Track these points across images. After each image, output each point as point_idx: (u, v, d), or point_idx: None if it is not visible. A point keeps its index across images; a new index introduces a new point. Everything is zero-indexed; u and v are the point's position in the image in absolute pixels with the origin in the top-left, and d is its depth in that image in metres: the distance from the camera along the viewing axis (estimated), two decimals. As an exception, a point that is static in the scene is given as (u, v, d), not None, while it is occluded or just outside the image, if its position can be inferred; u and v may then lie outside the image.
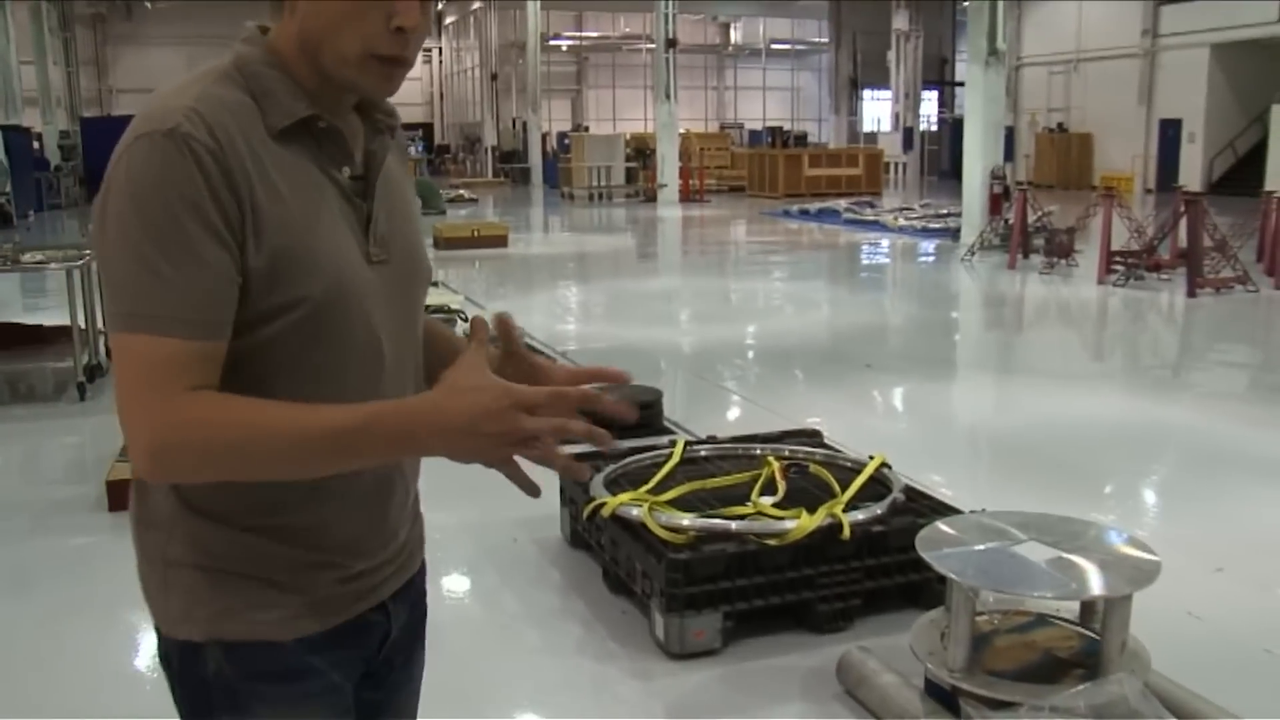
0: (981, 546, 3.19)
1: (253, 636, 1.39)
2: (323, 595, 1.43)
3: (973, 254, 14.27)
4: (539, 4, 33.97)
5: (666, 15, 24.12)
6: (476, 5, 39.64)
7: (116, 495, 4.96)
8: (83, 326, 7.28)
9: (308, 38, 1.35)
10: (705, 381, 7.98)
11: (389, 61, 1.35)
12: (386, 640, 1.56)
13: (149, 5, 39.96)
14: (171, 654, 1.41)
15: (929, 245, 16.53)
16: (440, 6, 44.03)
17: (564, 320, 11.11)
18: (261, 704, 1.40)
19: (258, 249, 1.29)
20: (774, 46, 46.75)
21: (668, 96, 24.31)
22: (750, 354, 9.22)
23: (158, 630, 1.43)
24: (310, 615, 1.42)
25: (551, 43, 41.96)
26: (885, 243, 17.29)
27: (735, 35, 47.02)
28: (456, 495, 5.45)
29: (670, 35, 24.19)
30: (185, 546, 1.38)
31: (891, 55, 35.90)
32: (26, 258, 7.56)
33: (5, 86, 25.24)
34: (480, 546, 4.69)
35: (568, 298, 12.75)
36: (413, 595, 1.65)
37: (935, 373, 8.39)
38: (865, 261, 16.07)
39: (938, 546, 3.17)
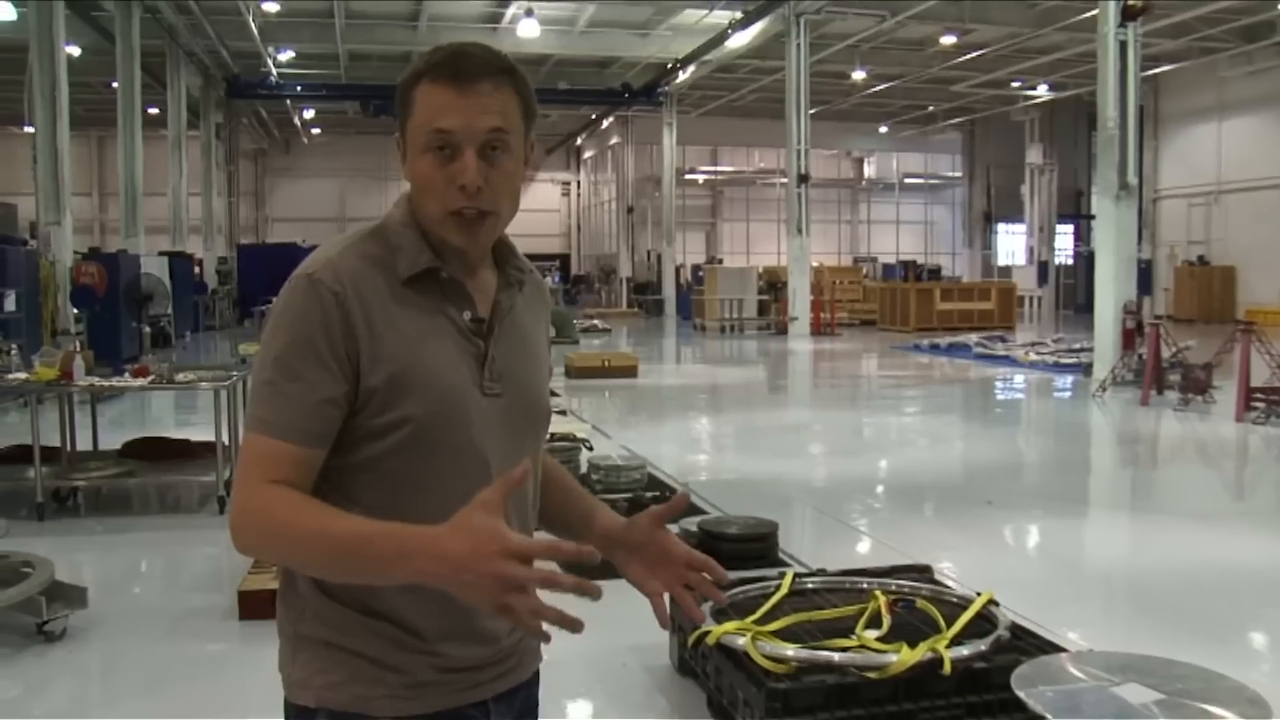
0: (1080, 686, 3.20)
1: (354, 708, 1.59)
2: (421, 680, 1.62)
3: (1104, 390, 14.04)
4: (674, 140, 34.94)
5: (799, 152, 24.61)
6: (614, 141, 40.92)
7: (248, 605, 5.25)
8: (226, 443, 7.70)
9: (414, 205, 1.65)
10: (825, 515, 8.02)
11: (463, 216, 1.60)
12: None
13: (305, 141, 42.26)
14: (290, 716, 1.63)
15: (1060, 381, 16.32)
16: (580, 142, 45.57)
17: (692, 451, 11.25)
18: None
19: (374, 370, 1.56)
20: (907, 180, 47.06)
21: (800, 230, 24.65)
22: (872, 488, 9.23)
23: (286, 697, 1.65)
24: (408, 697, 1.61)
25: (687, 177, 42.97)
26: (1015, 378, 17.12)
27: (869, 169, 47.49)
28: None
29: (803, 171, 24.63)
30: (313, 622, 1.61)
31: (1025, 189, 35.85)
32: (180, 376, 8.04)
33: (175, 217, 26.95)
34: (591, 669, 4.80)
35: (697, 429, 12.91)
36: (520, 703, 1.80)
37: (1060, 510, 8.28)
38: (994, 397, 15.93)
39: (1034, 684, 3.19)
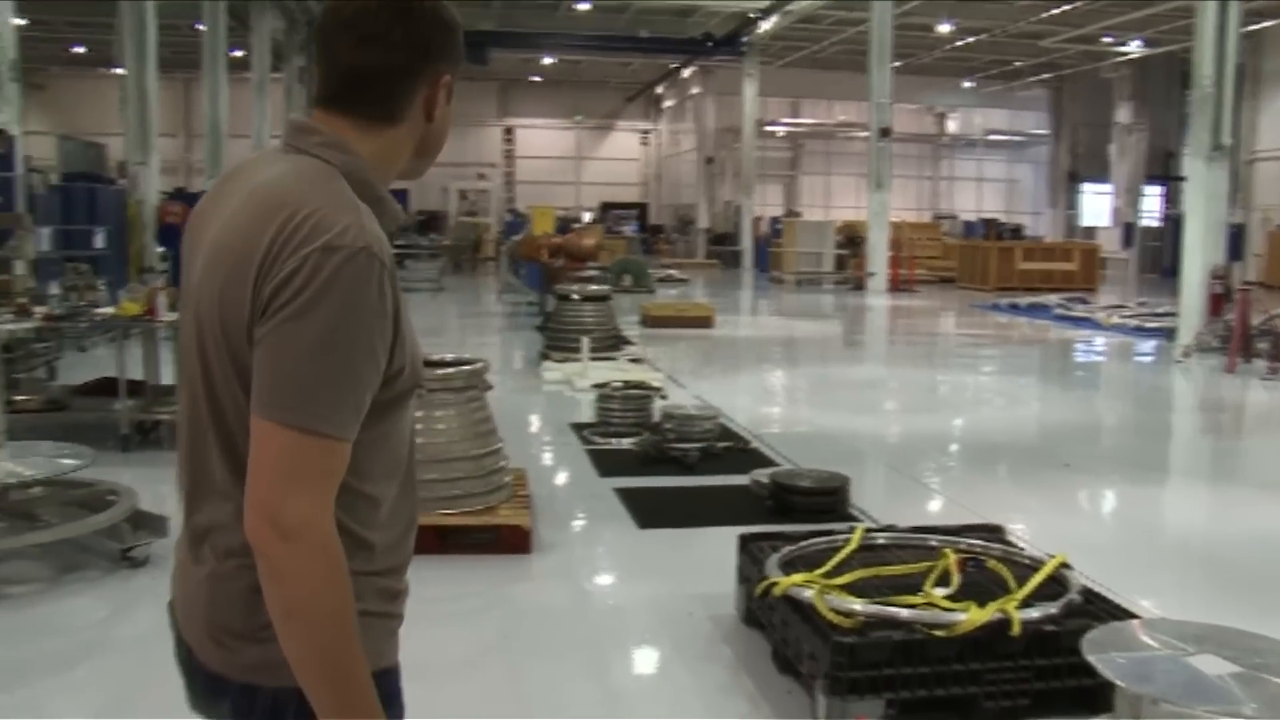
0: (1153, 654, 3.15)
1: (379, 665, 1.61)
2: (399, 624, 1.71)
3: (1188, 355, 13.74)
4: (755, 91, 34.58)
5: (880, 105, 24.22)
6: (694, 91, 40.58)
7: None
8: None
9: (430, 147, 1.70)
10: (897, 471, 7.97)
11: None
12: None
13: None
14: (288, 701, 1.55)
15: (1142, 345, 15.99)
16: (660, 91, 45.27)
17: (766, 403, 11.23)
18: None
19: (399, 346, 1.56)
20: (991, 137, 46.12)
21: (880, 185, 24.31)
22: (946, 446, 9.13)
23: (254, 686, 1.58)
24: (395, 641, 1.70)
25: (767, 129, 42.52)
26: (1096, 340, 16.80)
27: (952, 125, 46.62)
28: (639, 569, 5.66)
29: (884, 125, 24.25)
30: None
31: (1113, 148, 34.98)
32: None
33: (257, 160, 27.18)
34: (658, 618, 4.83)
35: (771, 381, 12.86)
36: None
37: (1138, 476, 8.13)
38: (1073, 359, 15.65)
39: (1105, 650, 3.15)
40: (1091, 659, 3.08)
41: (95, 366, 9.94)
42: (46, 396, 8.38)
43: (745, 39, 32.11)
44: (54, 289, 9.30)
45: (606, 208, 44.98)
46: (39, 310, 7.67)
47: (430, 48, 1.63)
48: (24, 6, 24.04)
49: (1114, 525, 7.14)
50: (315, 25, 1.66)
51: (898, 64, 26.30)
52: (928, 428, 9.93)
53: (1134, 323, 17.67)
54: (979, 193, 47.00)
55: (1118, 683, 2.96)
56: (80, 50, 34.80)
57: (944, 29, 29.52)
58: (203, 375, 1.57)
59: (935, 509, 6.96)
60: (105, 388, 8.25)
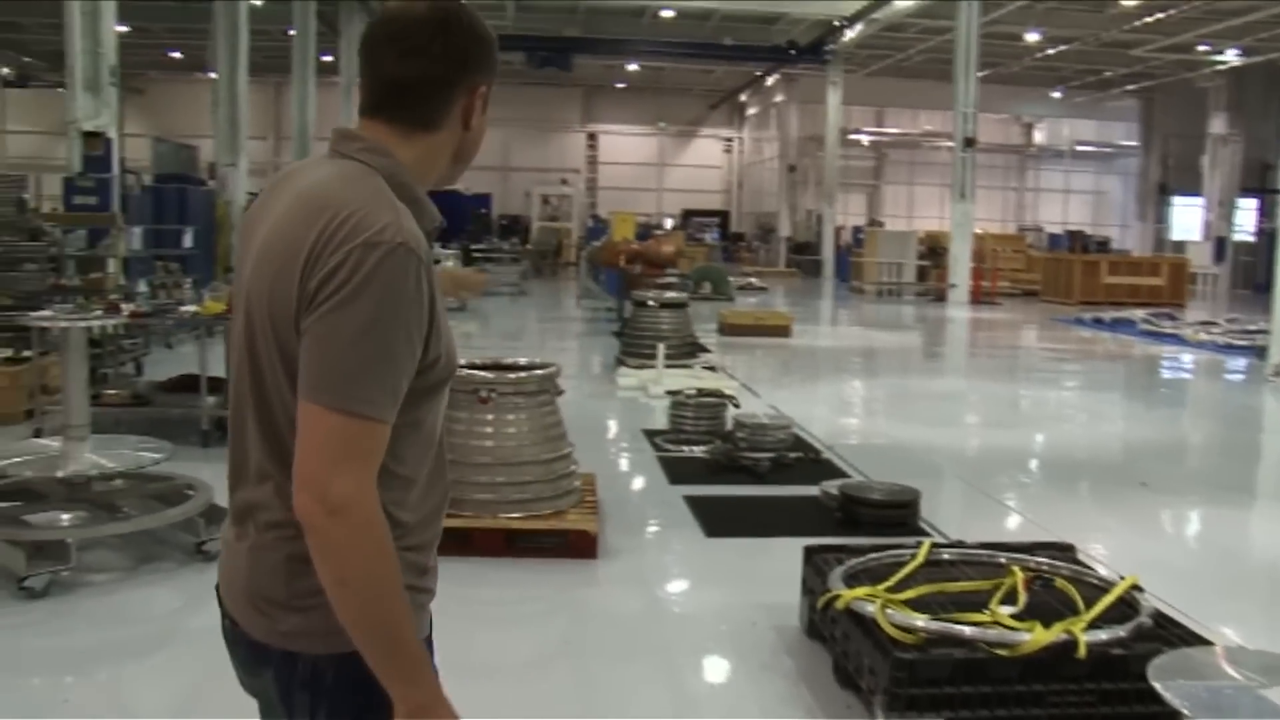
0: (1224, 684, 3.08)
1: (420, 635, 1.70)
2: (429, 599, 1.81)
3: (1278, 374, 13.38)
4: (839, 100, 34.37)
5: (966, 115, 23.93)
6: (778, 98, 40.45)
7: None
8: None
9: (465, 153, 1.79)
10: (971, 486, 7.87)
11: None
12: None
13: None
14: (327, 668, 1.66)
15: (1231, 363, 15.60)
16: (744, 98, 45.20)
17: (841, 414, 11.13)
18: None
19: (435, 337, 1.65)
20: (1078, 148, 45.34)
21: (963, 196, 24.02)
22: (1022, 462, 8.98)
23: (294, 654, 1.68)
24: (426, 614, 1.80)
25: (851, 137, 42.23)
26: (1183, 357, 16.42)
27: (1038, 136, 45.92)
28: (705, 577, 5.66)
29: (969, 134, 23.96)
30: None
31: (1206, 160, 34.17)
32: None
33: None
34: (722, 628, 4.83)
35: (848, 392, 12.76)
36: None
37: (1222, 498, 7.92)
38: (1158, 376, 15.31)
39: (1173, 676, 3.08)
40: (1158, 685, 3.02)
41: (181, 363, 10.17)
42: (132, 391, 8.60)
43: (830, 47, 31.91)
44: (141, 286, 9.55)
45: (688, 215, 45.02)
46: (126, 307, 7.86)
47: (468, 60, 1.74)
48: (126, 13, 24.79)
49: (1194, 548, 6.98)
50: (362, 39, 1.77)
51: (984, 73, 25.99)
52: (1005, 443, 9.79)
53: (1223, 339, 17.25)
54: (1066, 205, 46.24)
55: (1184, 711, 2.89)
56: (177, 55, 35.68)
57: (1032, 38, 29.10)
58: (250, 365, 1.67)
59: (1008, 526, 6.86)
60: (188, 384, 8.45)
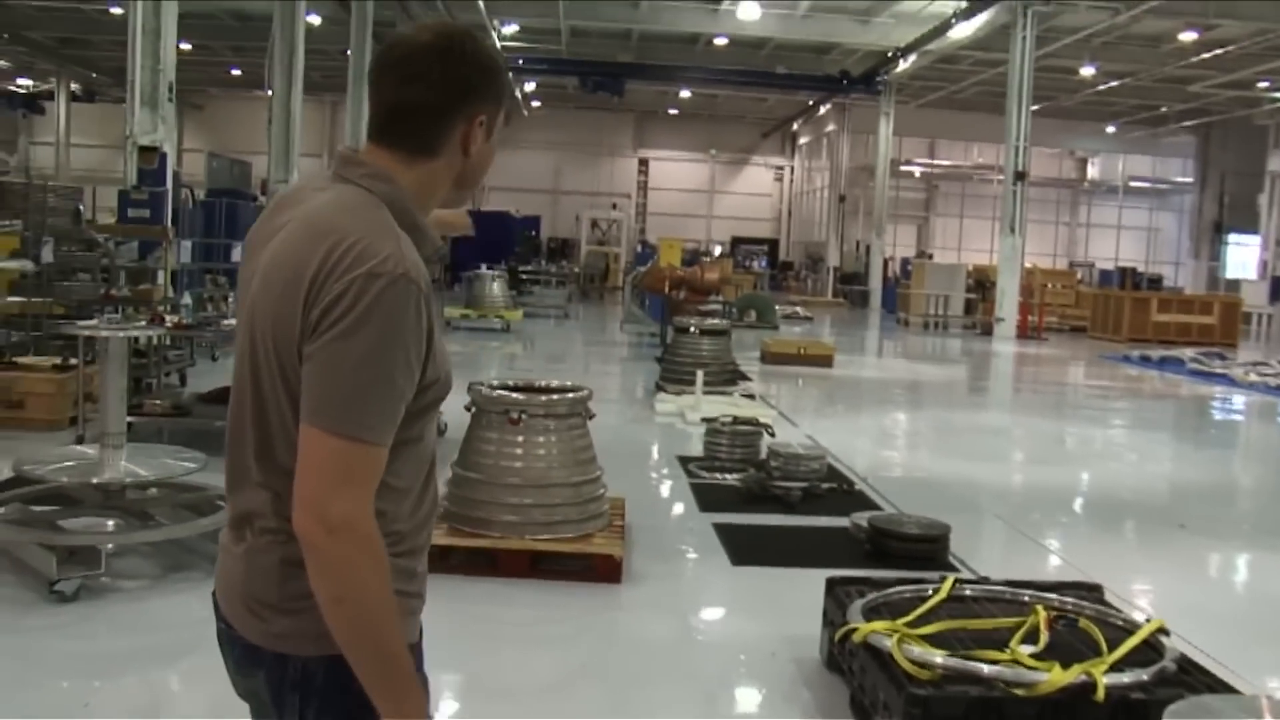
0: (1239, 729, 3.03)
1: (408, 640, 1.74)
2: (419, 604, 1.86)
3: (1330, 419, 13.17)
4: (891, 130, 34.31)
5: (1017, 148, 23.81)
6: (830, 128, 40.45)
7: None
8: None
9: (469, 178, 1.83)
10: (1005, 522, 7.79)
11: None
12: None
13: (525, 113, 43.27)
14: (317, 670, 1.70)
15: (1279, 404, 15.36)
16: (796, 127, 45.22)
17: (879, 446, 11.03)
18: None
19: (432, 362, 1.69)
20: (1133, 184, 44.91)
21: (1013, 230, 23.87)
22: (1060, 500, 8.84)
23: (285, 656, 1.72)
24: (416, 620, 1.83)
25: (902, 168, 42.13)
26: (1233, 398, 16.18)
27: (1092, 171, 45.56)
28: (728, 606, 5.65)
29: (1020, 168, 23.83)
30: None
31: (1264, 198, 33.74)
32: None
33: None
34: (741, 657, 4.81)
35: (887, 424, 12.67)
36: None
37: (1265, 543, 7.76)
38: (1204, 416, 15.08)
39: (1188, 721, 3.04)
40: (1171, 730, 2.98)
41: (224, 375, 10.29)
42: (173, 402, 8.72)
43: (882, 77, 31.89)
44: (185, 299, 9.69)
45: (737, 242, 45.04)
46: (171, 319, 8.00)
47: (467, 88, 1.77)
48: (189, 30, 25.27)
49: (1232, 592, 6.85)
50: (370, 65, 1.83)
51: (1038, 106, 25.84)
52: (1043, 480, 9.68)
53: (1274, 381, 16.97)
54: (1118, 241, 45.82)
55: (1196, 756, 2.85)
56: (237, 72, 36.31)
57: (1087, 72, 28.92)
58: (251, 381, 1.73)
59: (1040, 564, 6.77)
60: (226, 396, 8.54)
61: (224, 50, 32.73)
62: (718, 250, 41.55)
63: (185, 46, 28.99)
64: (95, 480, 5.63)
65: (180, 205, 14.02)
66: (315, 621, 1.64)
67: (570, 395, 6.04)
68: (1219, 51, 26.18)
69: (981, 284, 28.19)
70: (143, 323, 7.36)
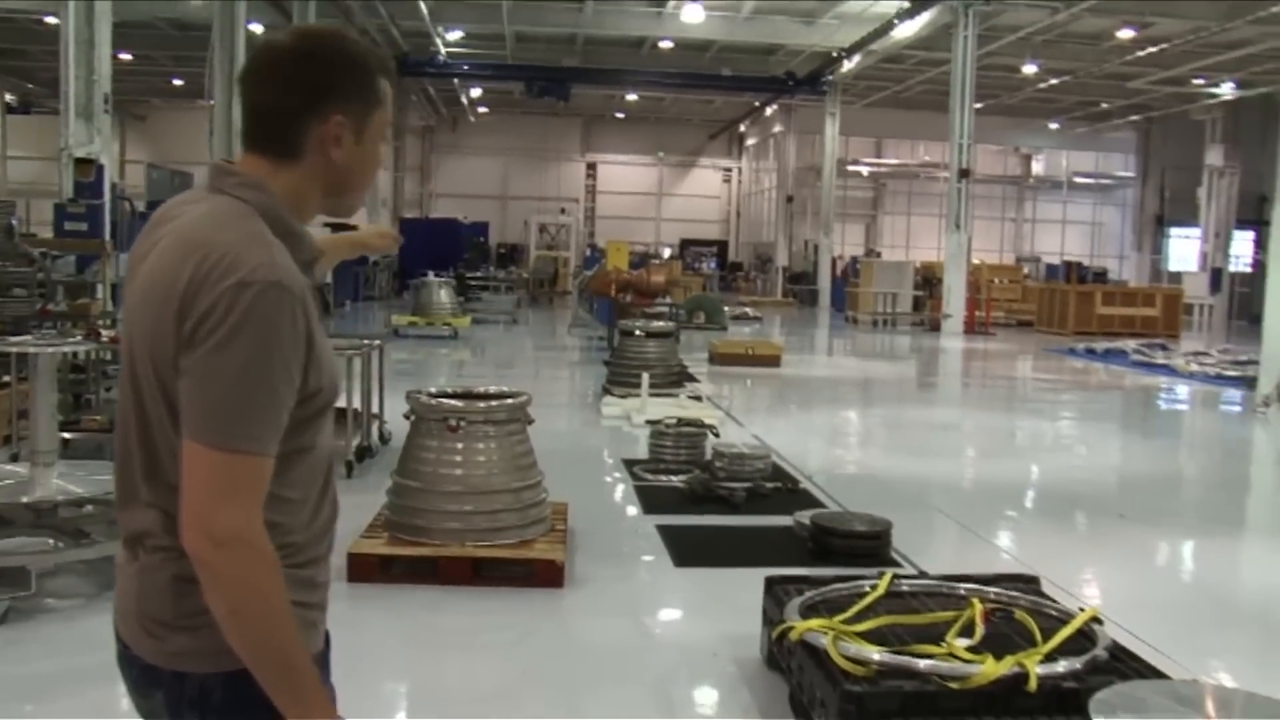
0: (1165, 718, 3.06)
1: (310, 650, 1.74)
2: (321, 615, 1.83)
3: (1268, 405, 13.37)
4: (837, 130, 34.50)
5: (961, 146, 24.03)
6: (777, 129, 40.64)
7: (356, 567, 5.45)
8: (358, 410, 7.94)
9: (341, 182, 1.79)
10: (948, 517, 7.85)
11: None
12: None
13: (471, 119, 43.14)
14: (214, 686, 1.67)
15: (1221, 393, 15.59)
16: (743, 129, 45.40)
17: (825, 444, 11.06)
18: None
19: (315, 369, 1.68)
20: (1077, 179, 45.48)
21: (958, 226, 24.08)
22: (1005, 493, 8.91)
23: (182, 674, 1.70)
24: (319, 631, 1.83)
25: (849, 168, 42.40)
26: (1172, 388, 16.41)
27: (1037, 167, 46.09)
28: (670, 608, 5.65)
29: (964, 166, 24.05)
30: None
31: (1203, 192, 34.27)
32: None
33: (341, 192, 27.83)
34: (682, 658, 4.81)
35: (835, 422, 12.72)
36: None
37: (1199, 530, 7.90)
38: (1145, 406, 15.28)
39: (1114, 710, 3.07)
40: (1097, 719, 3.00)
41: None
42: (111, 417, 8.58)
43: (827, 78, 32.07)
44: (121, 313, 9.54)
45: (686, 244, 45.13)
46: (107, 333, 7.86)
47: (320, 87, 1.74)
48: (129, 40, 24.94)
49: (1171, 581, 6.93)
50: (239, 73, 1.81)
51: (981, 104, 26.11)
52: (988, 474, 9.78)
53: (1214, 370, 17.25)
54: (1063, 235, 46.37)
55: (1121, 744, 2.88)
56: (179, 83, 35.87)
57: (1029, 70, 29.24)
58: (134, 399, 1.70)
59: (982, 557, 6.82)
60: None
61: (165, 60, 32.35)
62: (666, 252, 41.62)
63: (125, 56, 28.74)
64: (25, 499, 5.54)
65: (120, 218, 13.82)
66: (211, 638, 1.62)
67: (509, 401, 6.01)
68: (1156, 49, 26.56)
69: (929, 281, 28.41)
70: (78, 338, 7.24)
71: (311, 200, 1.80)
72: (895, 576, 4.75)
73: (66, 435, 8.31)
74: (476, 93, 38.79)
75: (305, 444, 1.74)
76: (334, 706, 1.73)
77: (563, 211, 41.58)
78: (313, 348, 1.67)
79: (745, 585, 5.34)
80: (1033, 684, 3.63)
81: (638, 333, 12.73)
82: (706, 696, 4.43)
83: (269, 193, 1.73)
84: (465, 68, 33.10)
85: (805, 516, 6.69)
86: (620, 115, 43.92)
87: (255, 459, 1.60)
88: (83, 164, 12.79)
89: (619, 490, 8.11)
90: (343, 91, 1.75)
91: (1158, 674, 3.92)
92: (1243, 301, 32.73)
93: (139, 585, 1.73)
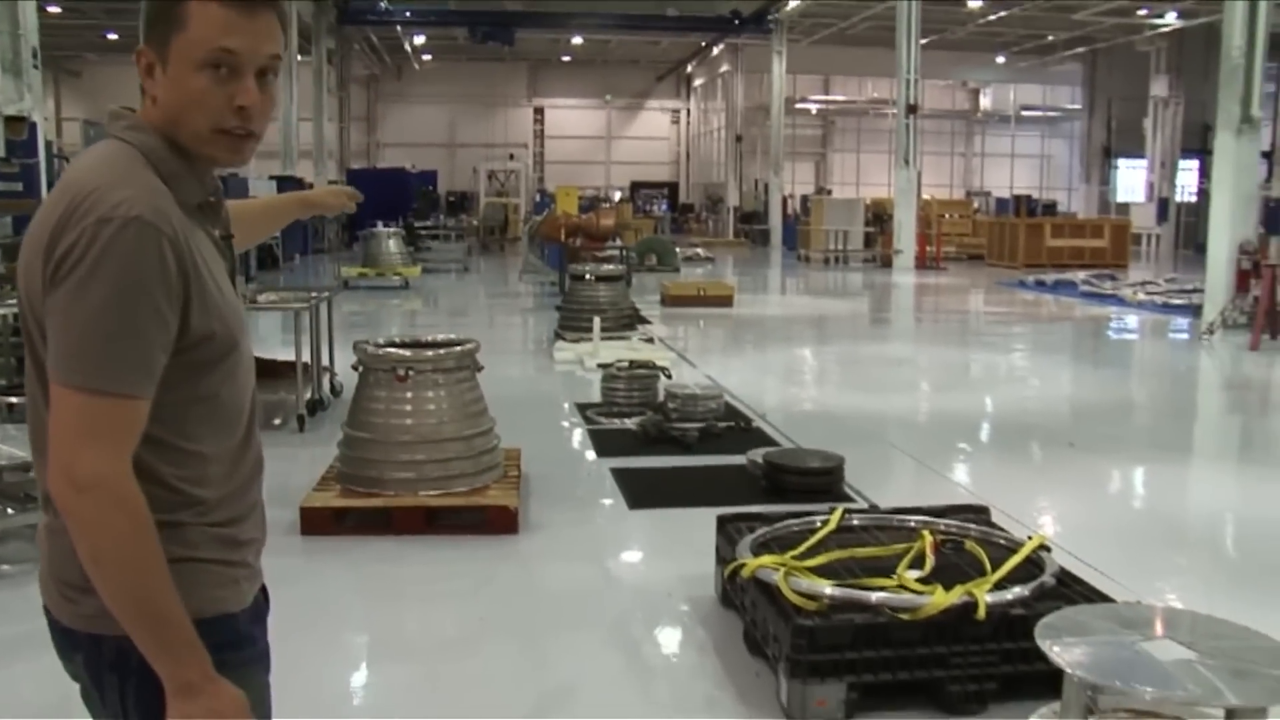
0: (1109, 639, 3.10)
1: (214, 610, 1.69)
2: (246, 572, 1.77)
3: (1212, 332, 13.56)
4: (784, 69, 34.34)
5: (908, 81, 24.00)
6: (724, 69, 40.39)
7: (310, 520, 5.43)
8: (308, 363, 7.87)
9: (169, 119, 1.65)
10: (900, 451, 7.92)
11: (235, 135, 1.67)
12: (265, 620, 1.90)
13: (416, 67, 42.54)
14: (131, 648, 1.60)
15: (1167, 322, 15.79)
16: (690, 70, 45.08)
17: (778, 382, 11.09)
18: (222, 670, 1.63)
19: (203, 311, 1.62)
20: (1024, 113, 45.62)
21: (907, 162, 24.13)
22: (956, 426, 8.99)
23: (99, 636, 1.65)
24: (246, 588, 1.77)
25: (798, 106, 42.27)
26: (1122, 318, 16.60)
27: (985, 101, 46.16)
28: (625, 550, 5.66)
29: (912, 101, 24.04)
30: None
31: (1148, 122, 34.48)
32: (262, 298, 8.26)
33: (285, 142, 27.46)
34: (637, 599, 4.83)
35: (788, 360, 12.74)
36: None
37: (1146, 457, 8.02)
38: (1094, 337, 15.45)
39: (1059, 634, 3.10)
40: (1043, 643, 3.04)
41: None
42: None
43: (773, 16, 31.87)
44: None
45: (636, 187, 44.93)
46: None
47: (145, 18, 1.67)
48: (55, -8, 24.30)
49: (1120, 507, 7.02)
50: None
51: (928, 40, 26.02)
52: (941, 407, 9.86)
53: (1161, 299, 17.46)
54: (1012, 169, 46.57)
55: (1063, 667, 2.92)
56: (113, 37, 35.04)
57: (974, 4, 29.17)
58: (30, 351, 1.66)
59: (934, 490, 6.88)
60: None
61: (97, 13, 31.52)
62: (617, 196, 41.40)
63: (54, 10, 28.01)
64: (-33, 464, 5.45)
65: (55, 176, 13.53)
66: None
67: (457, 349, 5.97)
68: (1100, -22, 26.54)
69: (880, 217, 28.48)
70: (14, 302, 7.10)
71: (179, 139, 1.67)
72: (846, 511, 4.78)
73: (11, 400, 8.19)
74: (420, 40, 38.18)
75: (204, 393, 1.68)
76: (266, 671, 1.73)
77: (511, 158, 41.23)
78: (194, 289, 1.60)
79: (700, 525, 5.36)
80: (982, 612, 3.68)
81: (588, 277, 12.68)
82: (665, 636, 4.45)
83: (146, 132, 1.67)
84: (408, 14, 32.59)
85: (758, 455, 6.72)
86: (566, 59, 43.48)
87: (120, 401, 1.54)
88: (14, 122, 12.48)
89: (573, 435, 8.11)
90: (149, 18, 1.66)
91: (1104, 598, 3.98)
92: (1189, 230, 33.06)
93: (49, 548, 1.69)
